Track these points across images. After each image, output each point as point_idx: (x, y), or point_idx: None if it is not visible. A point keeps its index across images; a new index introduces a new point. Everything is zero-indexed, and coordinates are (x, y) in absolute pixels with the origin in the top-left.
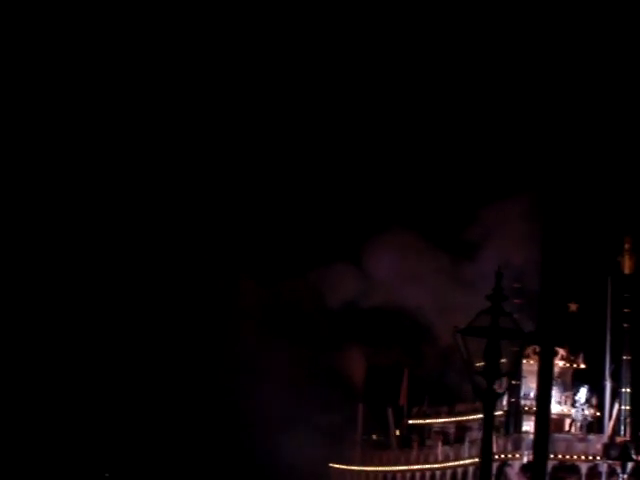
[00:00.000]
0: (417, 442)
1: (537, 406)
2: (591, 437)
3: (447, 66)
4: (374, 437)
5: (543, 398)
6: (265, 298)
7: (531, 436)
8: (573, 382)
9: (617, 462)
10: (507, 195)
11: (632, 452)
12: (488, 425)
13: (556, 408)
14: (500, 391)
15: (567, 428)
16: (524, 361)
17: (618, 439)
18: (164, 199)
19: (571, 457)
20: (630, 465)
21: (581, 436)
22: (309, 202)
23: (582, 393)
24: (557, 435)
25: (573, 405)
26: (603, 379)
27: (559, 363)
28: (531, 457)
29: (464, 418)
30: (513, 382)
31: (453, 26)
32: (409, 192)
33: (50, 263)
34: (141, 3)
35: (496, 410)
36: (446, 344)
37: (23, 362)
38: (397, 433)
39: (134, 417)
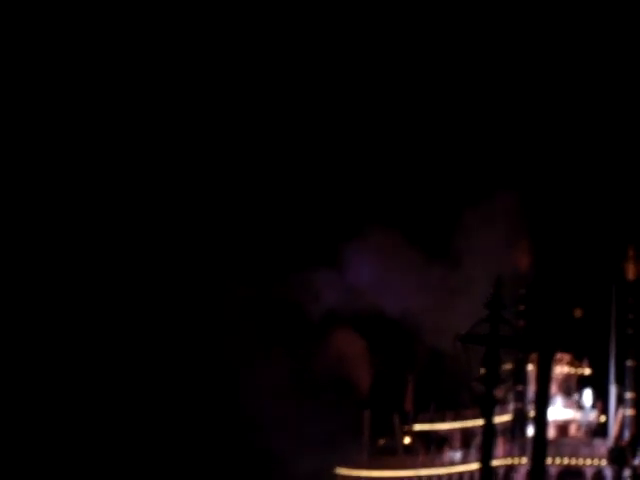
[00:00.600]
0: (423, 447)
1: (536, 410)
2: (596, 441)
3: (429, 68)
4: (380, 442)
5: (541, 403)
6: (258, 304)
7: None
8: (578, 387)
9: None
10: (492, 195)
11: (629, 456)
12: (488, 431)
13: (561, 413)
14: (502, 397)
15: (573, 433)
16: (529, 367)
17: (622, 443)
18: (152, 204)
19: (576, 461)
20: (628, 469)
21: (586, 440)
22: (291, 202)
23: (587, 396)
24: (562, 439)
25: (579, 409)
26: (608, 384)
27: (564, 369)
28: None
29: (470, 423)
30: (518, 388)
31: (438, 26)
32: (391, 193)
33: (48, 266)
34: (141, 3)
35: (502, 415)
36: (436, 348)
37: (21, 365)
38: (404, 439)
39: (135, 426)
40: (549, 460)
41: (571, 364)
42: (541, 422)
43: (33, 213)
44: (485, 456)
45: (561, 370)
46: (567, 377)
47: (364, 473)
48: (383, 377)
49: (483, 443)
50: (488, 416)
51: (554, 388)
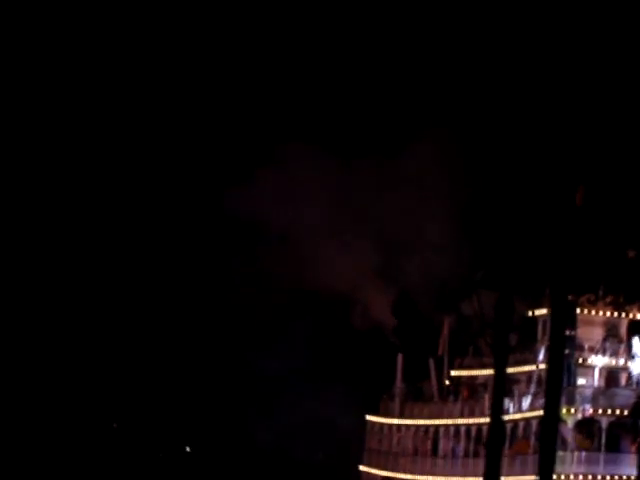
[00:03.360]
0: (461, 394)
1: (549, 357)
2: None
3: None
4: (414, 389)
5: (556, 347)
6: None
7: (587, 390)
8: (630, 334)
9: None
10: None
11: None
12: (499, 380)
13: (609, 361)
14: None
15: (624, 382)
16: (578, 310)
17: None
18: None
19: (629, 413)
20: None
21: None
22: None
23: (636, 344)
24: (613, 390)
25: (630, 357)
26: None
27: (608, 313)
28: (587, 412)
29: (511, 370)
30: (567, 332)
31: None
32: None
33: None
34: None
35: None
36: None
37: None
38: (440, 385)
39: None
40: (599, 411)
41: (618, 308)
42: (555, 369)
43: (33, 213)
44: (495, 409)
45: (605, 314)
46: (613, 322)
47: (396, 421)
48: (416, 320)
49: (494, 394)
50: (500, 364)
51: (600, 333)
